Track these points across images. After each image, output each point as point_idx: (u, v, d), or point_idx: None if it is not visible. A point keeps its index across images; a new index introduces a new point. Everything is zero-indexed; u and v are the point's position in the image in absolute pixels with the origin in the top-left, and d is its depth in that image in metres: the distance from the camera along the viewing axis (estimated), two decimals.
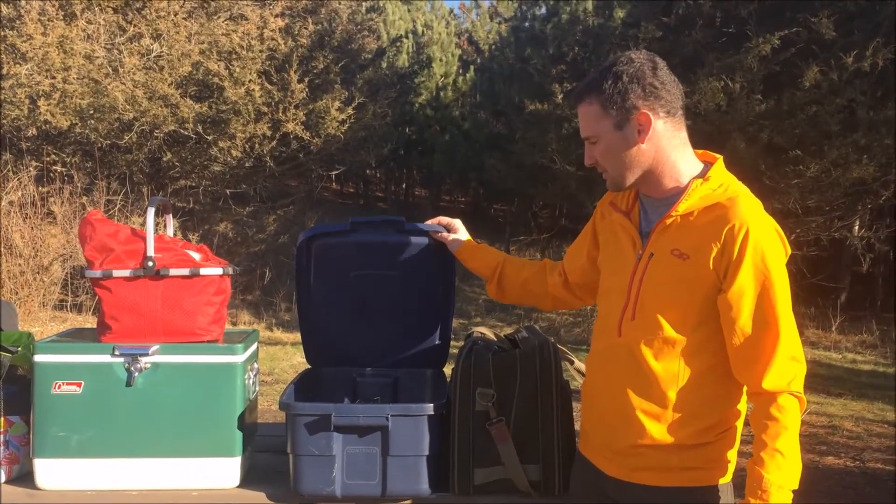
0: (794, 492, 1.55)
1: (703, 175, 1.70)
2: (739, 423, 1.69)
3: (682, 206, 1.66)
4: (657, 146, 1.69)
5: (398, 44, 15.13)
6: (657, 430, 1.66)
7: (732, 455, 1.68)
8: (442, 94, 17.01)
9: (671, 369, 1.65)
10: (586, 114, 1.72)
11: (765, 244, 1.59)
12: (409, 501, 1.94)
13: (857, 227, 10.32)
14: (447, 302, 2.27)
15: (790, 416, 1.55)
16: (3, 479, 1.96)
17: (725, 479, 1.68)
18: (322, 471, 1.88)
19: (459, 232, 2.20)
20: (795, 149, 8.24)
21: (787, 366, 1.57)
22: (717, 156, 1.75)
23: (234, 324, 9.31)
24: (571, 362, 2.06)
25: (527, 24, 14.46)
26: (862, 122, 7.94)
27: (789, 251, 1.65)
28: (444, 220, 2.23)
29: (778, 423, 1.55)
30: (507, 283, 2.13)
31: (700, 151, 1.78)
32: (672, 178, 1.71)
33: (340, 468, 1.89)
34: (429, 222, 2.23)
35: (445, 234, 2.19)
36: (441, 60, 17.12)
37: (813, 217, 9.36)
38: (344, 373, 2.29)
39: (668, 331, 1.65)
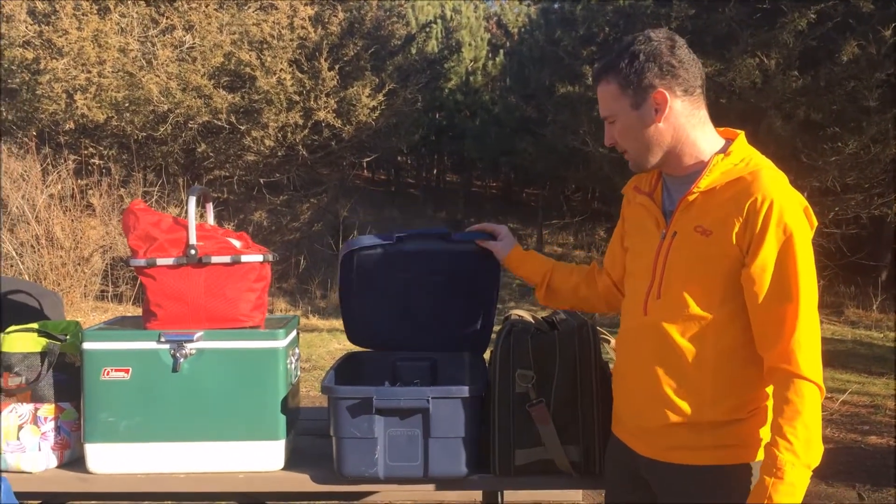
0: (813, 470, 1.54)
1: (724, 150, 1.69)
2: (770, 402, 1.67)
3: (704, 182, 1.65)
4: (675, 125, 1.69)
5: (427, 29, 15.10)
6: (688, 409, 1.65)
7: (765, 432, 1.65)
8: (472, 78, 16.98)
9: (699, 346, 1.64)
10: (604, 93, 1.74)
11: (788, 217, 1.57)
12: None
13: None
14: (490, 297, 2.28)
15: (808, 402, 1.53)
16: (56, 464, 2.01)
17: (759, 458, 1.65)
18: (365, 453, 1.91)
19: (505, 239, 2.18)
20: (833, 125, 8.10)
21: (811, 353, 1.56)
22: (739, 131, 1.74)
23: (271, 311, 9.41)
24: (608, 342, 2.06)
25: (556, 5, 14.32)
26: None
27: (815, 224, 1.64)
28: (490, 226, 2.22)
29: (793, 407, 1.53)
30: (556, 288, 2.11)
31: (721, 129, 1.77)
32: (692, 155, 1.70)
33: (383, 450, 1.91)
34: (473, 228, 2.23)
35: (492, 242, 2.19)
36: (470, 45, 17.07)
37: (852, 195, 9.20)
38: (383, 357, 2.32)
39: (694, 308, 1.64)
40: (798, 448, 1.52)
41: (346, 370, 2.17)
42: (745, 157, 1.67)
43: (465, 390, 1.90)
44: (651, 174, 1.83)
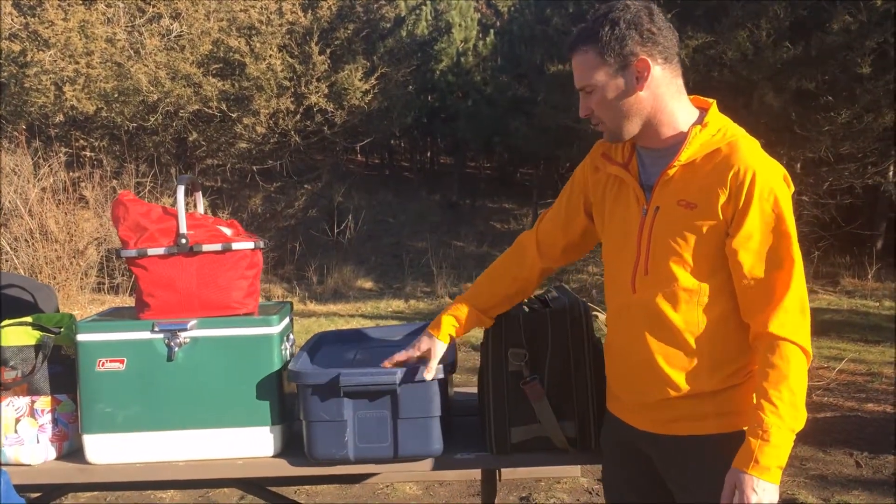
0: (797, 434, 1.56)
1: (700, 121, 1.68)
2: None
3: (685, 156, 1.64)
4: (655, 93, 1.66)
5: (417, 11, 15.02)
6: (685, 380, 1.66)
7: None
8: (463, 59, 16.89)
9: (691, 319, 1.65)
10: (582, 63, 1.69)
11: (773, 186, 1.58)
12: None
13: (891, 173, 10.11)
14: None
15: (794, 366, 1.55)
16: (55, 456, 2.02)
17: None
18: (334, 436, 1.90)
19: (433, 348, 1.91)
20: (826, 95, 8.07)
21: (798, 317, 1.57)
22: (711, 100, 1.73)
23: (269, 298, 9.42)
24: (599, 316, 2.06)
25: None
26: (894, 64, 7.74)
27: (792, 188, 1.65)
28: (407, 355, 1.93)
29: (779, 371, 1.54)
30: (495, 312, 1.98)
31: (692, 97, 1.75)
32: (671, 126, 1.69)
33: (352, 432, 1.90)
34: (398, 359, 1.92)
35: (430, 370, 1.89)
36: (460, 26, 16.97)
37: (846, 164, 9.20)
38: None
39: (684, 281, 1.65)
40: (783, 411, 1.53)
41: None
42: (722, 127, 1.67)
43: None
44: (623, 143, 1.79)
